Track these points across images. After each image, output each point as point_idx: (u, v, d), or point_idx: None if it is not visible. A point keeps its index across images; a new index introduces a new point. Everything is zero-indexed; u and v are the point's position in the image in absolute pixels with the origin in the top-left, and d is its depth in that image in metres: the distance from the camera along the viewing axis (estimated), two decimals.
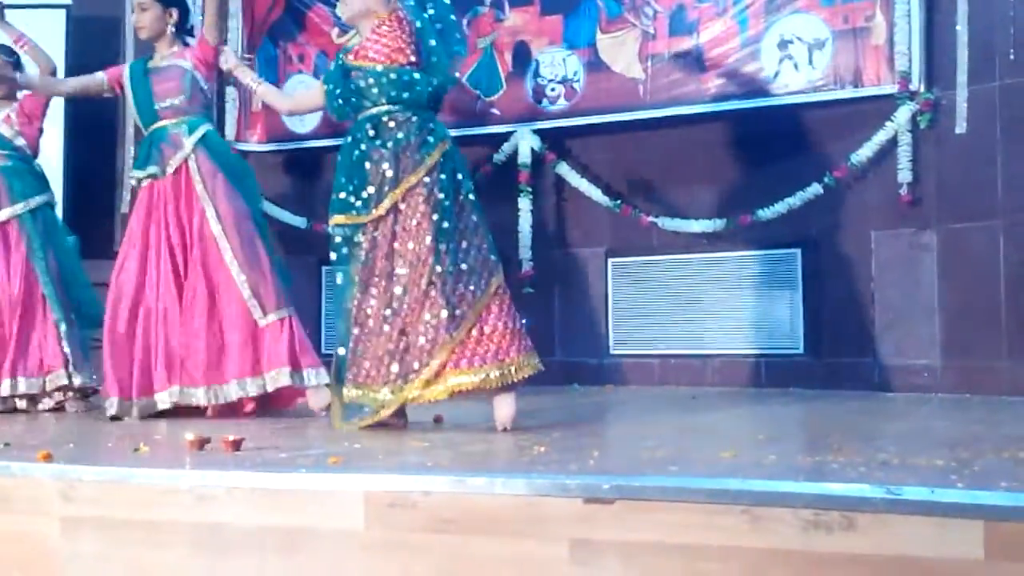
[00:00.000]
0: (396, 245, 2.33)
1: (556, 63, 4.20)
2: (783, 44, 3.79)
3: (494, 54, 4.31)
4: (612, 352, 4.11)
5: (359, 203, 2.36)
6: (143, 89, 3.05)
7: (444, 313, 2.26)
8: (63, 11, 4.51)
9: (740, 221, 3.85)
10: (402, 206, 2.34)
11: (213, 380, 2.85)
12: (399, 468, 1.70)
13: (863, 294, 3.68)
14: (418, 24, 2.42)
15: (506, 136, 4.22)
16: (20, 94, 3.46)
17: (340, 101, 2.46)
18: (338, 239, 2.42)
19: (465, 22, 4.40)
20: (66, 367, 3.25)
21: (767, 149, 3.84)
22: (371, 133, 2.39)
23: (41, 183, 3.46)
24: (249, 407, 2.92)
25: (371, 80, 2.39)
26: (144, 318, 2.92)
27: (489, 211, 2.50)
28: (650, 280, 4.07)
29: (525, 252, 4.15)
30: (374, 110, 2.40)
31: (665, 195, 4.05)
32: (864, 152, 3.63)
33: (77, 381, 3.27)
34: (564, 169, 4.18)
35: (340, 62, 2.48)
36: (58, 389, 3.28)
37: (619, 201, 4.08)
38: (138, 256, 2.96)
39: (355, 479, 1.60)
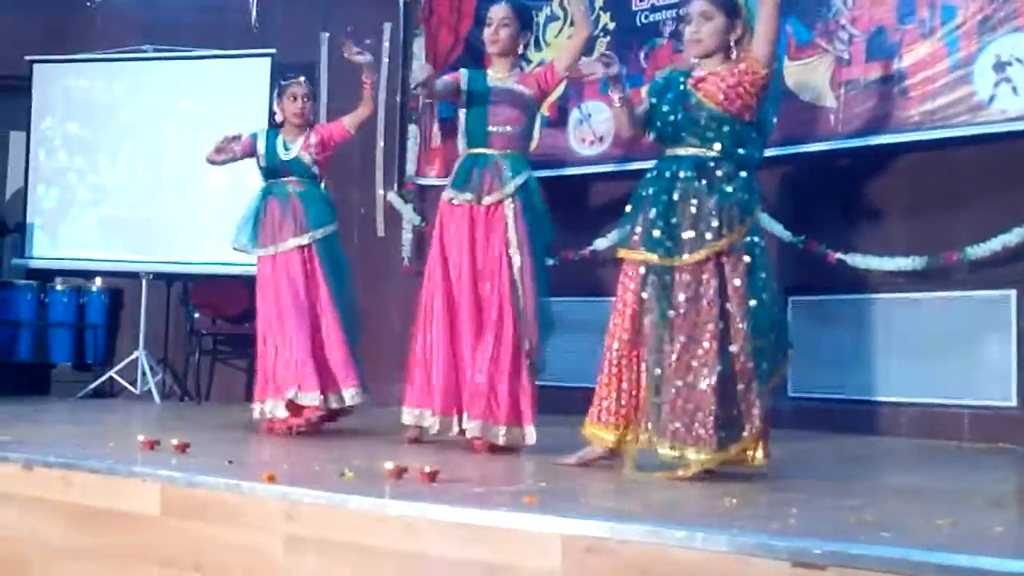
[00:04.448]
0: (720, 301, 2.23)
1: None
2: (1000, 66, 3.45)
3: None
4: (791, 395, 3.90)
5: (671, 244, 2.25)
6: (480, 106, 2.87)
7: (762, 380, 2.23)
8: (268, 59, 4.98)
9: (945, 258, 3.54)
10: (724, 260, 2.25)
11: (490, 419, 2.74)
12: (593, 513, 1.70)
13: None
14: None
15: None
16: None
17: (669, 120, 2.31)
18: (643, 272, 2.30)
19: (643, 55, 4.41)
20: (360, 384, 3.28)
21: (979, 180, 3.52)
22: (694, 174, 2.27)
23: (331, 210, 3.49)
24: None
25: (712, 123, 2.27)
26: (446, 342, 2.84)
27: None
28: (835, 319, 3.82)
29: None
30: (700, 151, 2.28)
31: (855, 230, 3.80)
32: None
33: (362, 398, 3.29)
34: None
35: (679, 83, 2.34)
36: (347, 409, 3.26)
37: (803, 236, 3.89)
38: (441, 276, 2.88)
39: (552, 521, 1.61)
